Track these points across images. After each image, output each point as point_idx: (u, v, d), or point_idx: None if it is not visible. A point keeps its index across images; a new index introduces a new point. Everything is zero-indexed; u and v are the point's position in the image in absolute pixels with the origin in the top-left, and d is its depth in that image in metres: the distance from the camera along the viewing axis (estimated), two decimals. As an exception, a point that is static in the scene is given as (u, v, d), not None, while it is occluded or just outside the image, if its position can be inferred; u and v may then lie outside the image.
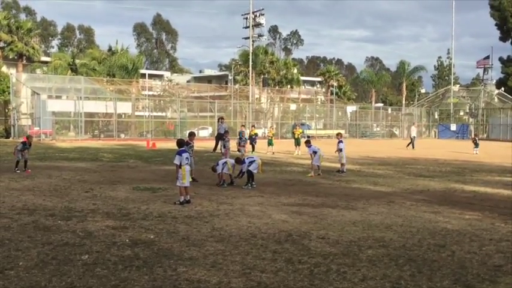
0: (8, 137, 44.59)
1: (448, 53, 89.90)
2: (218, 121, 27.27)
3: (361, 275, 6.28)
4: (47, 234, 8.05)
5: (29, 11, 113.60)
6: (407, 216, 10.18)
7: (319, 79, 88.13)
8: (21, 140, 21.67)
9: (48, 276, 6.02)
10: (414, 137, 38.19)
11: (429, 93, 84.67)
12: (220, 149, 23.04)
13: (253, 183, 14.04)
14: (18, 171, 16.76)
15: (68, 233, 8.17)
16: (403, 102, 75.68)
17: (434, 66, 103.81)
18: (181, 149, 11.48)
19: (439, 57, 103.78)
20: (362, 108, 68.87)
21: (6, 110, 47.99)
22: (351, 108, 67.32)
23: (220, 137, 21.83)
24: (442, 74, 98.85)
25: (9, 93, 46.51)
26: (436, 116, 69.76)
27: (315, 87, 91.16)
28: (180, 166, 11.11)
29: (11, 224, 8.81)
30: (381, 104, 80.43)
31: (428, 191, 14.08)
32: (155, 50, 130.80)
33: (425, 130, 69.11)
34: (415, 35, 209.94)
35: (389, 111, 70.50)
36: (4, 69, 53.04)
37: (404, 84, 76.05)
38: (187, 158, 11.35)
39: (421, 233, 8.66)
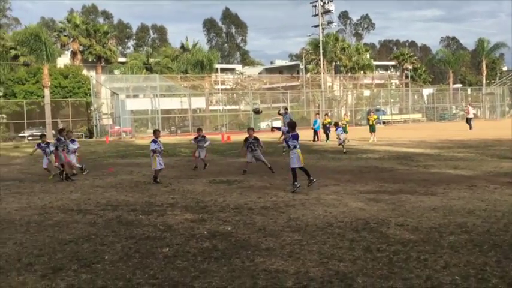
0: (91, 136, 46.69)
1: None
2: (283, 112, 26.61)
3: (443, 262, 6.08)
4: (129, 229, 8.36)
5: (106, 15, 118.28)
6: (491, 200, 9.75)
7: (392, 63, 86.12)
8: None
9: (132, 269, 6.25)
10: (470, 118, 36.77)
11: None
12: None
13: (313, 178, 12.06)
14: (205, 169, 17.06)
15: (149, 227, 8.45)
16: (484, 81, 72.35)
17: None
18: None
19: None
20: (439, 90, 66.46)
21: (89, 111, 50.30)
22: (427, 91, 65.25)
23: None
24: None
25: (90, 95, 48.69)
26: (521, 95, 66.33)
27: (388, 72, 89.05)
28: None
29: (96, 219, 9.23)
30: (459, 85, 77.40)
31: (514, 173, 13.42)
32: (226, 44, 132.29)
33: (509, 110, 65.80)
34: (491, 10, 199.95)
35: (469, 91, 67.75)
36: (84, 72, 55.62)
37: (484, 63, 72.63)
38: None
39: (507, 217, 8.28)
